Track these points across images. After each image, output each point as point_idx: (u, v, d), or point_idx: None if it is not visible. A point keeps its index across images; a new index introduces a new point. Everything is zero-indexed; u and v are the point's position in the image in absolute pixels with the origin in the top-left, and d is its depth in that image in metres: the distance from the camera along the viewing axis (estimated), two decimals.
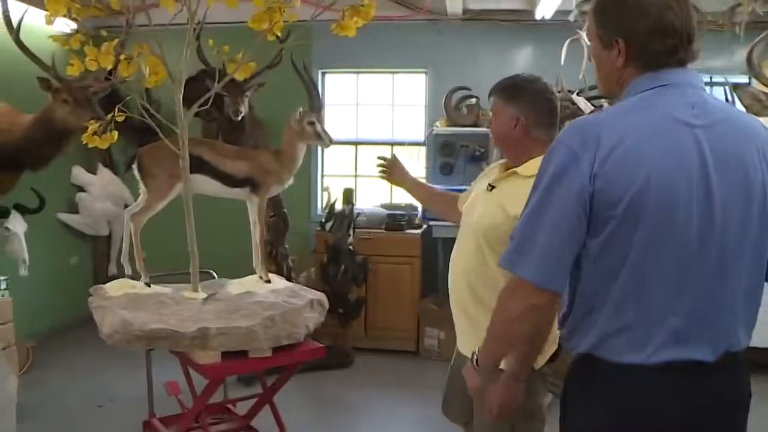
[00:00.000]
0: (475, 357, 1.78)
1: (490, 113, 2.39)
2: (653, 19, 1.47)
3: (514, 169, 2.26)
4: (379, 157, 2.83)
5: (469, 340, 2.27)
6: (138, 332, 2.60)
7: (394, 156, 2.86)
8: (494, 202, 2.24)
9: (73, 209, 5.97)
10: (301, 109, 3.20)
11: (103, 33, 2.67)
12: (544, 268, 1.49)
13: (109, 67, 2.67)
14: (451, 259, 2.44)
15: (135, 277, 3.19)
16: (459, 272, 2.34)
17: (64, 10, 2.57)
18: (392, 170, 2.78)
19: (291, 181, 3.34)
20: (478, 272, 2.25)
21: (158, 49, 2.72)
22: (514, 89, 2.28)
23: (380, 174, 2.80)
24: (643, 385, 1.49)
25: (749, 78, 5.14)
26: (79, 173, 5.94)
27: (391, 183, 2.87)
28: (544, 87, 2.29)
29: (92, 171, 6.03)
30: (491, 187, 2.31)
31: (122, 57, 2.67)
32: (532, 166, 2.13)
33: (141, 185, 3.15)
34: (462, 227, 2.43)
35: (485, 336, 1.71)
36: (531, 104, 2.25)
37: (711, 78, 5.59)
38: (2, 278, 4.52)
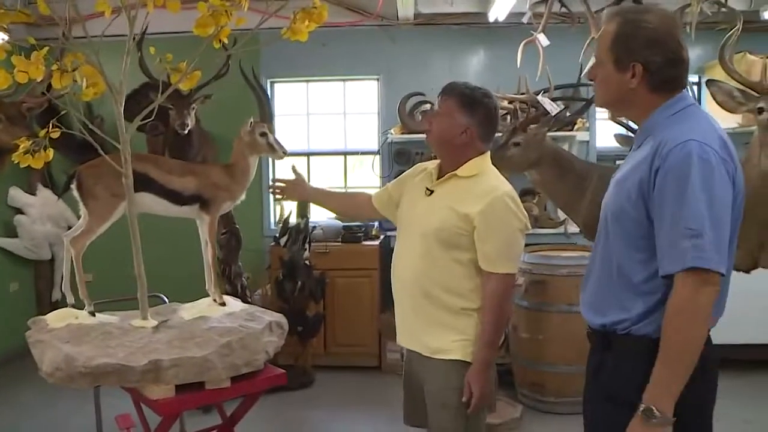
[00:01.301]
0: (647, 408, 1.64)
1: (436, 109, 2.47)
2: (669, 51, 1.75)
3: (453, 172, 2.37)
4: (275, 180, 2.85)
5: (424, 335, 2.38)
6: (82, 369, 2.37)
7: (295, 172, 2.81)
8: (439, 204, 2.35)
9: (11, 233, 5.67)
10: (251, 120, 3.02)
11: (32, 40, 2.44)
12: (724, 256, 1.65)
13: (40, 79, 2.44)
14: (394, 264, 2.50)
15: (78, 306, 2.95)
16: (410, 277, 2.39)
17: None
18: (289, 188, 2.79)
19: (243, 196, 3.15)
20: (429, 274, 2.33)
21: (95, 58, 2.51)
22: (472, 100, 2.35)
23: (276, 197, 2.86)
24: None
25: (698, 77, 5.21)
26: (16, 194, 5.65)
27: (292, 200, 2.86)
28: (495, 105, 2.41)
29: (31, 192, 5.73)
30: (430, 191, 2.41)
31: (54, 67, 2.44)
32: (471, 167, 2.37)
33: (81, 206, 2.92)
34: (403, 232, 2.50)
35: (665, 362, 1.65)
36: (483, 120, 2.36)
37: None
38: None
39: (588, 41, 3.92)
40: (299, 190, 2.81)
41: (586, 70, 3.85)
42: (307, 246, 5.04)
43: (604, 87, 1.86)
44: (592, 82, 1.91)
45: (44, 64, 2.42)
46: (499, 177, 2.41)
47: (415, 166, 2.61)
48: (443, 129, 2.38)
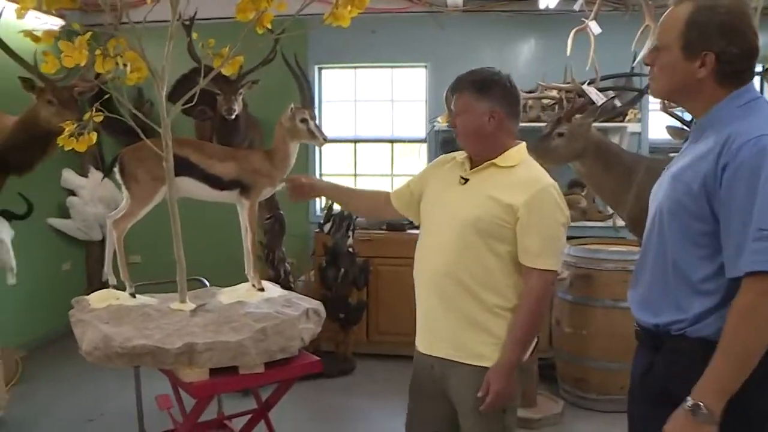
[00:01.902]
0: (695, 404, 1.58)
1: (453, 109, 2.32)
2: (745, 41, 1.64)
3: (492, 161, 2.24)
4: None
5: (457, 334, 2.24)
6: (119, 349, 2.41)
7: (299, 177, 2.76)
8: (478, 193, 2.22)
9: (64, 214, 5.81)
10: (292, 106, 3.02)
11: (76, 26, 2.48)
12: None
13: (83, 63, 2.47)
14: (420, 258, 2.38)
15: (121, 287, 3.00)
16: (442, 269, 2.24)
17: (34, 2, 2.38)
18: (300, 188, 2.69)
19: (284, 182, 3.16)
20: (464, 265, 2.19)
21: (137, 43, 2.53)
22: (485, 83, 2.24)
23: (292, 197, 2.72)
24: None
25: (762, 66, 5.01)
26: (69, 176, 5.78)
27: (306, 199, 2.85)
28: (508, 78, 2.28)
29: (83, 174, 5.87)
30: (464, 180, 2.28)
31: (97, 52, 2.47)
32: (510, 157, 2.25)
33: (123, 189, 2.97)
34: (431, 224, 2.36)
35: (722, 362, 1.57)
36: (503, 97, 2.24)
37: None
38: None
39: (641, 29, 3.81)
40: (310, 190, 2.74)
41: (641, 55, 3.74)
42: (350, 233, 5.04)
43: (666, 75, 1.74)
44: (647, 69, 1.78)
45: (88, 49, 2.45)
46: (539, 168, 2.28)
47: (438, 158, 2.49)
48: (468, 124, 2.25)
